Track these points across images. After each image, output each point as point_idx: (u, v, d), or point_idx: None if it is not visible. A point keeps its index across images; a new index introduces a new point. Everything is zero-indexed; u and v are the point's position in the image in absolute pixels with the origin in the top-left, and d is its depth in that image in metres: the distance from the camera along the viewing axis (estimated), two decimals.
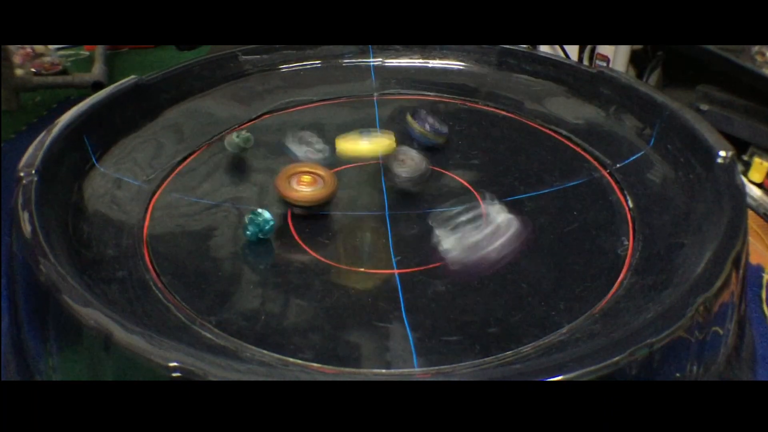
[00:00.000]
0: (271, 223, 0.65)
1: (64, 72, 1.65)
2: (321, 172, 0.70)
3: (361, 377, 0.51)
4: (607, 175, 0.76)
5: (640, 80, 1.22)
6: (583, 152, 0.80)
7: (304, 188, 0.68)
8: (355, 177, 0.77)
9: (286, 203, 0.69)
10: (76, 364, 0.52)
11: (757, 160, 1.20)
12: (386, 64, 0.98)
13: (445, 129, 0.82)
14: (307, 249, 0.65)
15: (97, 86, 1.50)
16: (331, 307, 0.59)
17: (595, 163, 0.78)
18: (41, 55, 1.68)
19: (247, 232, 0.65)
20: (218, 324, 0.57)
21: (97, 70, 1.58)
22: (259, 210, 0.66)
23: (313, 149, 0.75)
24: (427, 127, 0.81)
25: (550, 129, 0.85)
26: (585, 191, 0.74)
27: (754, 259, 1.09)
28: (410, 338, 0.55)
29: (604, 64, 1.39)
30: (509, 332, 0.56)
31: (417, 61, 0.98)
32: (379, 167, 0.77)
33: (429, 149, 0.80)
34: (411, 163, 0.73)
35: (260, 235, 0.65)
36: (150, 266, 0.63)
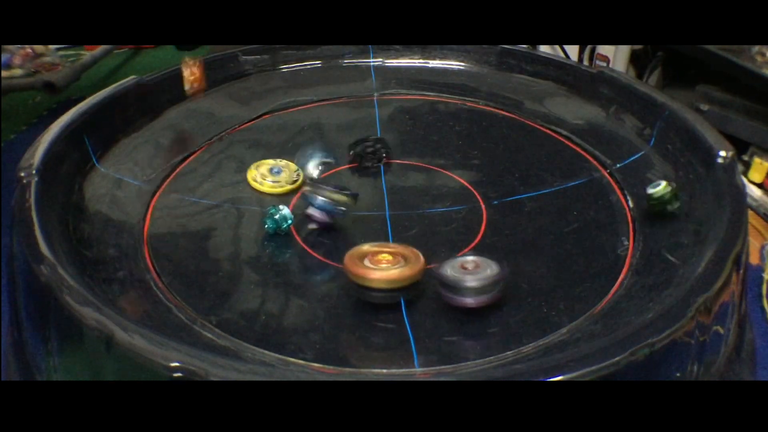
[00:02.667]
0: (290, 220, 0.66)
1: (35, 73, 1.63)
2: (402, 251, 0.59)
3: (362, 377, 0.51)
4: (607, 175, 0.76)
5: (640, 80, 1.22)
6: (583, 152, 0.80)
7: (386, 266, 0.57)
8: (355, 177, 0.77)
9: (361, 289, 0.57)
10: (76, 364, 0.52)
11: (757, 160, 1.20)
12: (386, 64, 0.98)
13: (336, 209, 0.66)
14: (307, 249, 0.66)
15: (48, 87, 1.45)
16: (331, 307, 0.59)
17: (595, 163, 0.78)
18: (41, 55, 1.68)
19: (266, 226, 0.66)
20: (219, 324, 0.57)
21: (61, 72, 1.51)
22: (280, 206, 0.66)
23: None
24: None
25: (550, 129, 0.85)
26: (585, 191, 0.74)
27: (754, 259, 1.10)
28: (411, 338, 0.55)
29: (604, 64, 1.39)
30: (509, 332, 0.56)
31: (417, 62, 0.98)
32: (379, 169, 0.77)
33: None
34: (478, 269, 0.56)
35: (278, 231, 0.66)
36: (150, 266, 0.63)
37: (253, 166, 0.75)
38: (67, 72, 1.51)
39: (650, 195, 0.65)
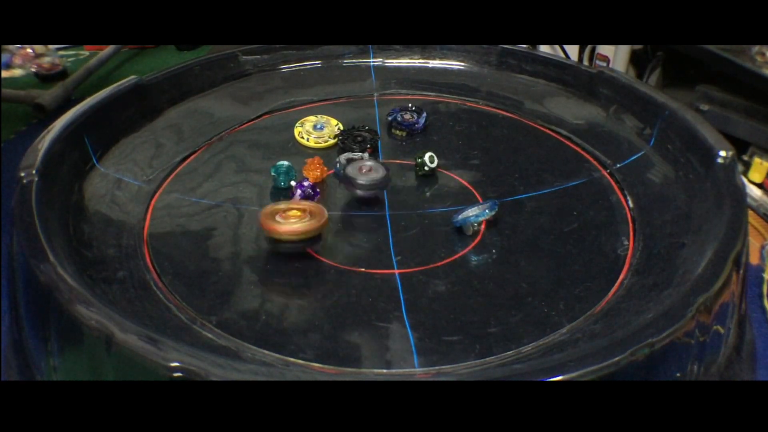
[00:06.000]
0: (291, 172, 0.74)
1: (38, 77, 1.62)
2: (308, 207, 0.66)
3: (362, 377, 0.51)
4: (607, 175, 0.76)
5: (640, 80, 1.22)
6: (583, 152, 0.81)
7: (294, 222, 0.64)
8: None
9: (273, 241, 0.65)
10: (76, 364, 0.52)
11: (757, 160, 1.20)
12: (386, 64, 0.98)
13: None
14: (308, 249, 0.66)
15: (38, 108, 1.44)
16: (331, 307, 0.59)
17: (595, 163, 0.78)
18: (41, 55, 1.68)
19: (281, 180, 0.74)
20: (219, 324, 0.57)
21: (52, 93, 1.46)
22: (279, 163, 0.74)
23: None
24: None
25: (550, 129, 0.85)
26: (585, 191, 0.74)
27: (754, 259, 1.09)
28: (411, 338, 0.55)
29: (604, 64, 1.39)
30: (509, 332, 0.56)
31: (417, 61, 0.98)
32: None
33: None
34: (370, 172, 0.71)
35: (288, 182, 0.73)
36: (150, 266, 0.63)
37: (297, 124, 0.83)
38: (57, 92, 1.48)
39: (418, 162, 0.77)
